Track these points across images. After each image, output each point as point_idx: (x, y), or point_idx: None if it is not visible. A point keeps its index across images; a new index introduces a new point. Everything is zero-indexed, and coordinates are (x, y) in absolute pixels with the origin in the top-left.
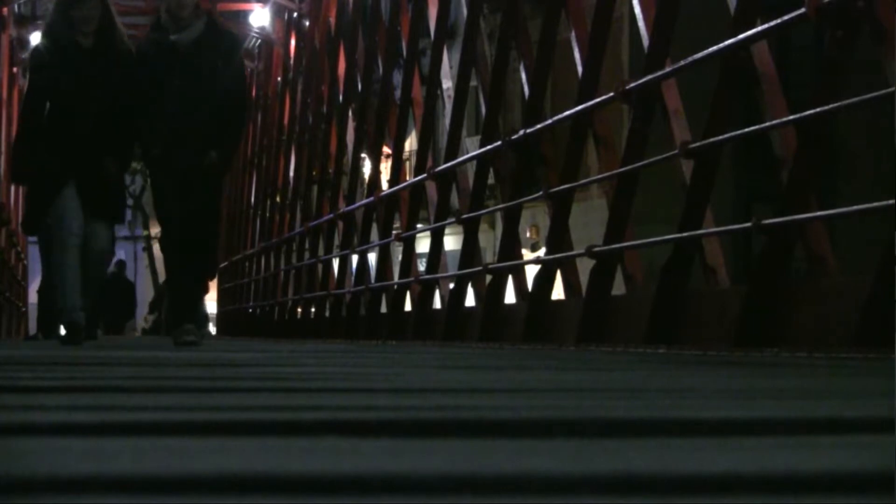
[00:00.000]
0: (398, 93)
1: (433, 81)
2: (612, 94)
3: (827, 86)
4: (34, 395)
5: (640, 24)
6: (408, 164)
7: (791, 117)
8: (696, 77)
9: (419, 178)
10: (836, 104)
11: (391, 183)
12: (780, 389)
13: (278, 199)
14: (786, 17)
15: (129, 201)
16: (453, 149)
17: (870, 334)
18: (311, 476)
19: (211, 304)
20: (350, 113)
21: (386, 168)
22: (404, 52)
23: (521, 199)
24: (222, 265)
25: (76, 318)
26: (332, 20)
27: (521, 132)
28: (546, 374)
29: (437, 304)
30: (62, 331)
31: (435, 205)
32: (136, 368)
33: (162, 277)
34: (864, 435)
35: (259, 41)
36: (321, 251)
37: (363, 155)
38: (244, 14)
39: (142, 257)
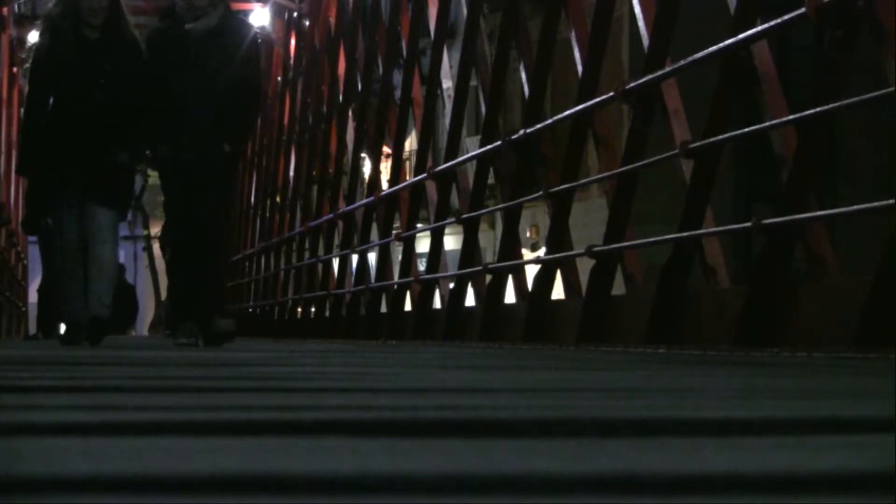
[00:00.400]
0: (398, 93)
1: (433, 81)
2: (612, 94)
3: (827, 86)
4: (34, 395)
5: (640, 24)
6: (408, 163)
7: (791, 117)
8: (696, 77)
9: (419, 177)
10: (836, 104)
11: (391, 183)
12: (780, 389)
13: (278, 198)
14: (786, 17)
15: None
16: (453, 149)
17: (870, 334)
18: (311, 476)
19: None
20: (350, 113)
21: (386, 168)
22: (404, 52)
23: (521, 199)
24: None
25: (78, 319)
26: (332, 20)
27: (521, 132)
28: (546, 374)
29: (437, 303)
30: (62, 329)
31: (435, 205)
32: (136, 368)
33: (162, 278)
34: (864, 435)
35: (259, 41)
36: (321, 251)
37: (363, 155)
38: (244, 14)
39: (141, 257)
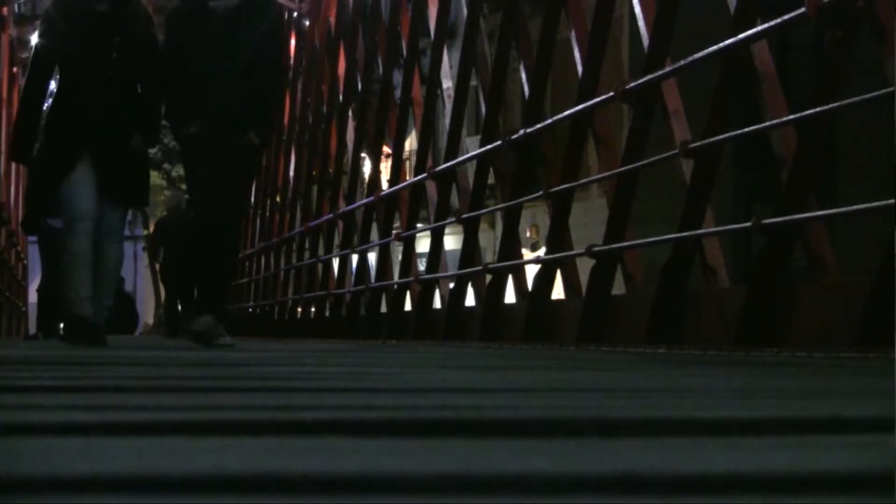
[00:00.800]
0: (398, 92)
1: (433, 81)
2: (612, 93)
3: (827, 86)
4: (34, 395)
5: (640, 24)
6: (408, 163)
7: (791, 117)
8: (696, 77)
9: (419, 177)
10: (836, 104)
11: (391, 183)
12: (780, 389)
13: (278, 198)
14: (786, 17)
15: None
16: (453, 148)
17: (870, 334)
18: (311, 476)
19: None
20: (350, 113)
21: (386, 168)
22: (404, 52)
23: (521, 199)
24: None
25: (83, 312)
26: (332, 20)
27: (521, 132)
28: (546, 374)
29: (437, 303)
30: (62, 329)
31: (435, 204)
32: (136, 368)
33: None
34: (864, 435)
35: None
36: (321, 251)
37: (363, 155)
38: None
39: (141, 257)
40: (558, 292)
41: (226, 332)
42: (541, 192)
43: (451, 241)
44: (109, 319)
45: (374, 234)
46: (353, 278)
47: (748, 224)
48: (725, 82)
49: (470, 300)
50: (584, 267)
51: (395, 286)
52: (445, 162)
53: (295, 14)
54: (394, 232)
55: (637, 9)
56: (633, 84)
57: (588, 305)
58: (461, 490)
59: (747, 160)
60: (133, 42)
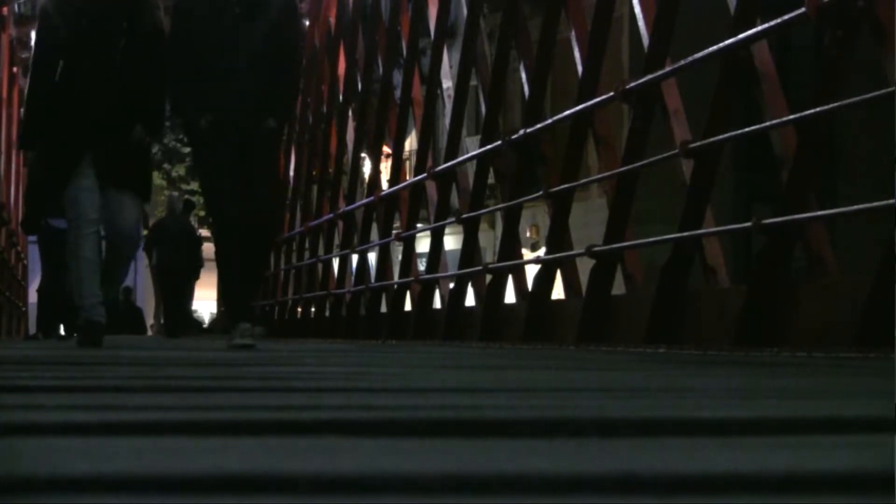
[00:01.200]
0: (398, 92)
1: (433, 81)
2: (612, 93)
3: (827, 86)
4: (34, 395)
5: (640, 24)
6: (408, 163)
7: (791, 117)
8: (696, 77)
9: (419, 177)
10: (836, 104)
11: (391, 183)
12: (780, 389)
13: None
14: (786, 17)
15: None
16: (453, 148)
17: (870, 334)
18: (311, 476)
19: (210, 303)
20: (350, 113)
21: (386, 168)
22: (404, 52)
23: (521, 199)
24: None
25: (95, 317)
26: (332, 20)
27: (521, 132)
28: (546, 374)
29: (437, 303)
30: (63, 330)
31: (435, 204)
32: (136, 368)
33: None
34: (864, 435)
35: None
36: (321, 251)
37: (363, 155)
38: None
39: (141, 257)
40: (558, 292)
41: (252, 331)
42: (541, 192)
43: (451, 241)
44: (118, 317)
45: (374, 234)
46: (353, 278)
47: (748, 224)
48: (725, 82)
49: (470, 300)
50: (584, 267)
51: (395, 286)
52: (445, 162)
53: None
54: (394, 232)
55: (637, 9)
56: (633, 84)
57: (588, 305)
58: (461, 490)
59: (747, 160)
60: (140, 29)
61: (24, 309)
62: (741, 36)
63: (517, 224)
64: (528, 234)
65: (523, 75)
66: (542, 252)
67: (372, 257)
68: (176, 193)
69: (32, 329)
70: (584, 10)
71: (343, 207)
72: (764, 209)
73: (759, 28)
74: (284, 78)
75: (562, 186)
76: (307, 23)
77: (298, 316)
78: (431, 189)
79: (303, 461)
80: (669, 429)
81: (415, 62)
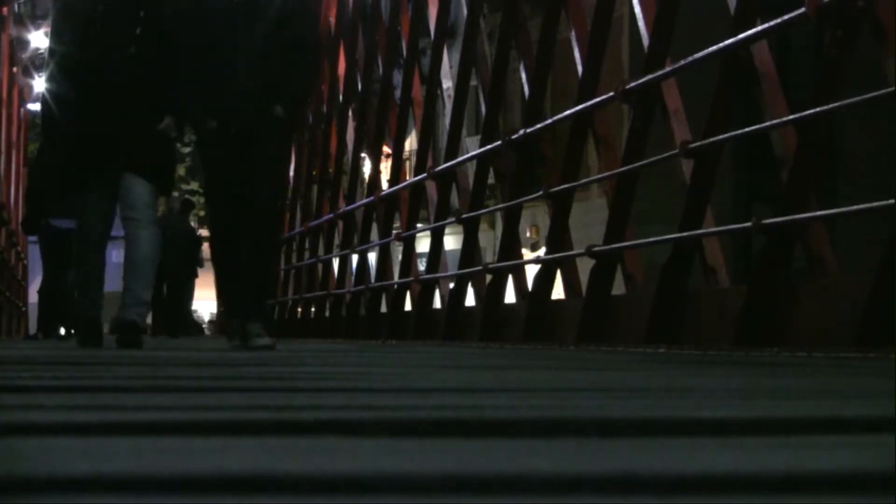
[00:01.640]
0: (398, 92)
1: (433, 81)
2: (612, 93)
3: (827, 86)
4: (34, 395)
5: (640, 24)
6: (408, 163)
7: (791, 117)
8: (696, 77)
9: (419, 177)
10: (836, 104)
11: (391, 183)
12: (780, 389)
13: None
14: (786, 17)
15: None
16: (453, 148)
17: (870, 334)
18: (311, 476)
19: (211, 303)
20: (350, 113)
21: (386, 168)
22: (404, 52)
23: (521, 199)
24: None
25: (93, 317)
26: (332, 20)
27: (521, 132)
28: (546, 374)
29: (437, 303)
30: (63, 330)
31: (435, 204)
32: (136, 368)
33: None
34: (864, 435)
35: None
36: (321, 251)
37: (363, 155)
38: None
39: None
40: (558, 292)
41: (265, 333)
42: (541, 192)
43: (451, 241)
44: (142, 322)
45: (374, 234)
46: (353, 278)
47: (748, 224)
48: (725, 82)
49: (470, 300)
50: (584, 267)
51: (395, 286)
52: (445, 162)
53: None
54: (394, 232)
55: (637, 9)
56: (633, 84)
57: (588, 305)
58: (461, 490)
59: (747, 160)
60: (163, 15)
61: (24, 309)
62: (741, 36)
63: (517, 224)
64: (528, 234)
65: (523, 75)
66: (542, 252)
67: (372, 257)
68: (175, 193)
69: (32, 329)
70: (584, 10)
71: (343, 207)
72: (764, 209)
73: (759, 28)
74: (295, 69)
75: (562, 186)
76: None
77: (298, 316)
78: (431, 189)
79: (303, 461)
80: (669, 429)
81: (415, 62)
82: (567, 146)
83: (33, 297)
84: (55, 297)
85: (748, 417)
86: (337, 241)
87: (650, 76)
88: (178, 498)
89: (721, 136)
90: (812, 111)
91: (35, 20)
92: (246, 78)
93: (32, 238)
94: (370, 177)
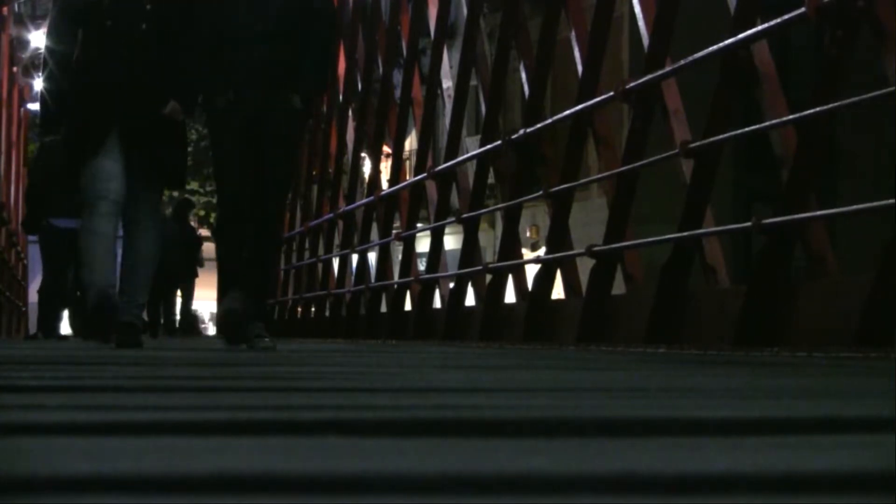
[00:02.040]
0: (398, 92)
1: (433, 81)
2: (612, 93)
3: (827, 86)
4: (34, 395)
5: (640, 23)
6: (408, 163)
7: (791, 117)
8: (696, 77)
9: (419, 177)
10: (836, 104)
11: (391, 182)
12: (781, 389)
13: None
14: (786, 17)
15: None
16: (453, 148)
17: (870, 334)
18: (311, 476)
19: (211, 303)
20: (350, 113)
21: (386, 167)
22: (404, 52)
23: (521, 199)
24: None
25: (106, 302)
26: None
27: (521, 132)
28: (546, 374)
29: (437, 303)
30: (62, 330)
31: (435, 204)
32: (136, 368)
33: None
34: (864, 435)
35: None
36: (321, 251)
37: (363, 154)
38: None
39: None
40: (558, 292)
41: (266, 333)
42: (541, 192)
43: (451, 241)
44: (140, 323)
45: (374, 234)
46: (353, 278)
47: (748, 224)
48: (725, 82)
49: (470, 300)
50: (584, 267)
51: (395, 286)
52: (445, 162)
53: None
54: (394, 232)
55: (637, 9)
56: (633, 84)
57: (588, 305)
58: (461, 490)
59: (747, 160)
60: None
61: (24, 309)
62: (741, 36)
63: (517, 224)
64: (528, 234)
65: (523, 75)
66: (542, 252)
67: (372, 257)
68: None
69: (33, 329)
70: (584, 10)
71: (343, 207)
72: (764, 209)
73: (759, 28)
74: (311, 53)
75: (562, 186)
76: None
77: (298, 316)
78: (431, 189)
79: (303, 461)
80: (669, 429)
81: (415, 62)
82: (567, 146)
83: (33, 297)
84: (56, 297)
85: (748, 417)
86: (337, 240)
87: (650, 76)
88: (178, 498)
89: (721, 136)
90: (812, 111)
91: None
92: (260, 57)
93: (32, 238)
94: (370, 176)
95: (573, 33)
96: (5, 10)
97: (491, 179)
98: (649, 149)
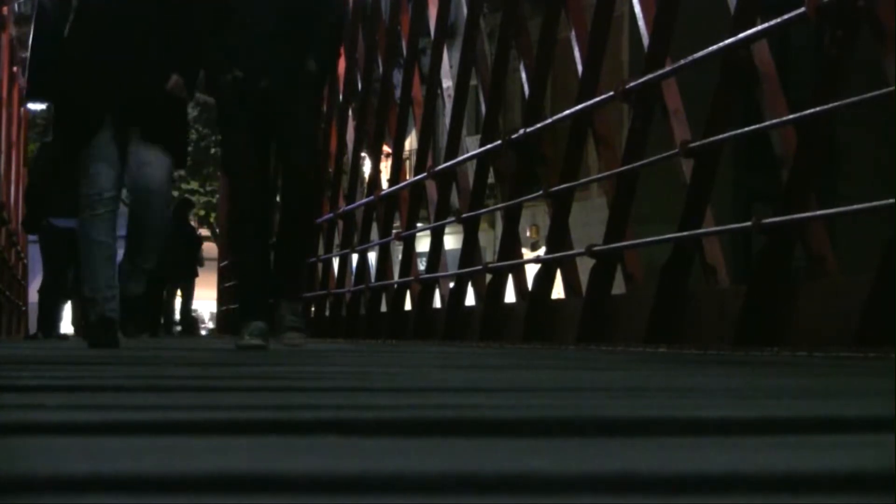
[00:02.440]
0: (398, 92)
1: (433, 81)
2: (612, 93)
3: (827, 86)
4: (34, 395)
5: (640, 23)
6: (408, 163)
7: (791, 117)
8: (696, 77)
9: (419, 177)
10: (836, 104)
11: (391, 182)
12: (780, 389)
13: (278, 198)
14: (786, 17)
15: None
16: (453, 148)
17: (870, 334)
18: (311, 476)
19: (210, 303)
20: (350, 113)
21: (386, 167)
22: (404, 52)
23: (521, 199)
24: (222, 263)
25: (108, 313)
26: None
27: (521, 131)
28: (546, 374)
29: (437, 303)
30: (65, 329)
31: (435, 204)
32: (136, 368)
33: None
34: (864, 435)
35: None
36: (321, 250)
37: (363, 154)
38: None
39: None
40: (558, 292)
41: (298, 327)
42: (541, 192)
43: (451, 241)
44: (140, 294)
45: (375, 234)
46: (353, 278)
47: (748, 224)
48: (725, 82)
49: (470, 300)
50: (584, 267)
51: (395, 286)
52: (445, 161)
53: None
54: (394, 231)
55: (637, 8)
56: (633, 84)
57: (588, 305)
58: (461, 490)
59: (747, 160)
60: None
61: (24, 308)
62: (741, 36)
63: (517, 224)
64: (528, 234)
65: (523, 75)
66: (542, 252)
67: (372, 257)
68: (175, 193)
69: (33, 329)
70: (584, 10)
71: (343, 207)
72: (764, 209)
73: (759, 28)
74: (325, 15)
75: (562, 186)
76: None
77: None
78: (431, 189)
79: (303, 461)
80: (669, 429)
81: (415, 62)
82: (567, 146)
83: (33, 296)
84: (56, 296)
85: (748, 417)
86: (337, 240)
87: (650, 76)
88: (178, 498)
89: (721, 136)
90: (812, 111)
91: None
92: (270, 26)
93: (32, 238)
94: (370, 176)
95: (573, 33)
96: (5, 9)
97: (491, 179)
98: (649, 149)
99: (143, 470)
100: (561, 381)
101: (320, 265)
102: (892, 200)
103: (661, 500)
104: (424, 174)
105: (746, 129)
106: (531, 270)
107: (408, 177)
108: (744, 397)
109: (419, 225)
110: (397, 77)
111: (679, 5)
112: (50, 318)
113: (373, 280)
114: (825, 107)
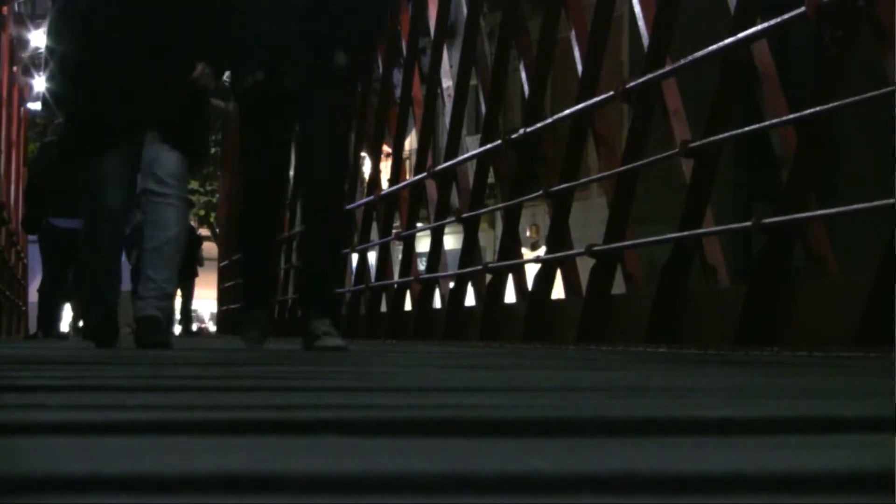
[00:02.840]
0: (398, 92)
1: (433, 80)
2: (612, 93)
3: (827, 86)
4: (34, 394)
5: (640, 23)
6: (408, 162)
7: (791, 116)
8: (696, 77)
9: (419, 177)
10: (836, 104)
11: (391, 182)
12: (781, 388)
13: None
14: (786, 17)
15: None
16: (453, 148)
17: (870, 334)
18: (311, 476)
19: (210, 302)
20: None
21: (386, 167)
22: (404, 51)
23: (521, 199)
24: (222, 263)
25: (149, 311)
26: None
27: (521, 131)
28: (546, 374)
29: (437, 303)
30: (63, 328)
31: (435, 204)
32: (136, 367)
33: None
34: (864, 435)
35: None
36: None
37: (363, 154)
38: None
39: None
40: (558, 292)
41: (334, 331)
42: (541, 192)
43: (451, 241)
44: (166, 318)
45: (374, 234)
46: (352, 278)
47: (748, 224)
48: (725, 82)
49: (470, 300)
50: (584, 267)
51: (395, 286)
52: (445, 161)
53: None
54: (394, 231)
55: (637, 8)
56: (633, 83)
57: (588, 305)
58: (461, 490)
59: (747, 160)
60: None
61: (24, 308)
62: (741, 35)
63: (517, 224)
64: (528, 234)
65: (523, 75)
66: (542, 252)
67: (372, 257)
68: None
69: (33, 329)
70: (584, 10)
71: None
72: (764, 209)
73: (759, 28)
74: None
75: (562, 186)
76: None
77: (298, 315)
78: (431, 188)
79: (303, 461)
80: (669, 429)
81: (415, 61)
82: (567, 146)
83: (33, 296)
84: (55, 296)
85: (748, 417)
86: None
87: (650, 75)
88: (178, 498)
89: (721, 136)
90: (812, 111)
91: (35, 19)
92: (295, 25)
93: (32, 237)
94: (370, 176)
95: (573, 33)
96: (5, 9)
97: (491, 179)
98: (649, 149)
99: (143, 470)
100: (561, 381)
101: None
102: (892, 200)
103: (661, 500)
104: (424, 174)
105: (746, 129)
106: (531, 270)
107: (408, 177)
108: (744, 397)
109: (419, 225)
110: (397, 76)
111: (679, 5)
112: (50, 317)
113: (373, 280)
114: (825, 107)
